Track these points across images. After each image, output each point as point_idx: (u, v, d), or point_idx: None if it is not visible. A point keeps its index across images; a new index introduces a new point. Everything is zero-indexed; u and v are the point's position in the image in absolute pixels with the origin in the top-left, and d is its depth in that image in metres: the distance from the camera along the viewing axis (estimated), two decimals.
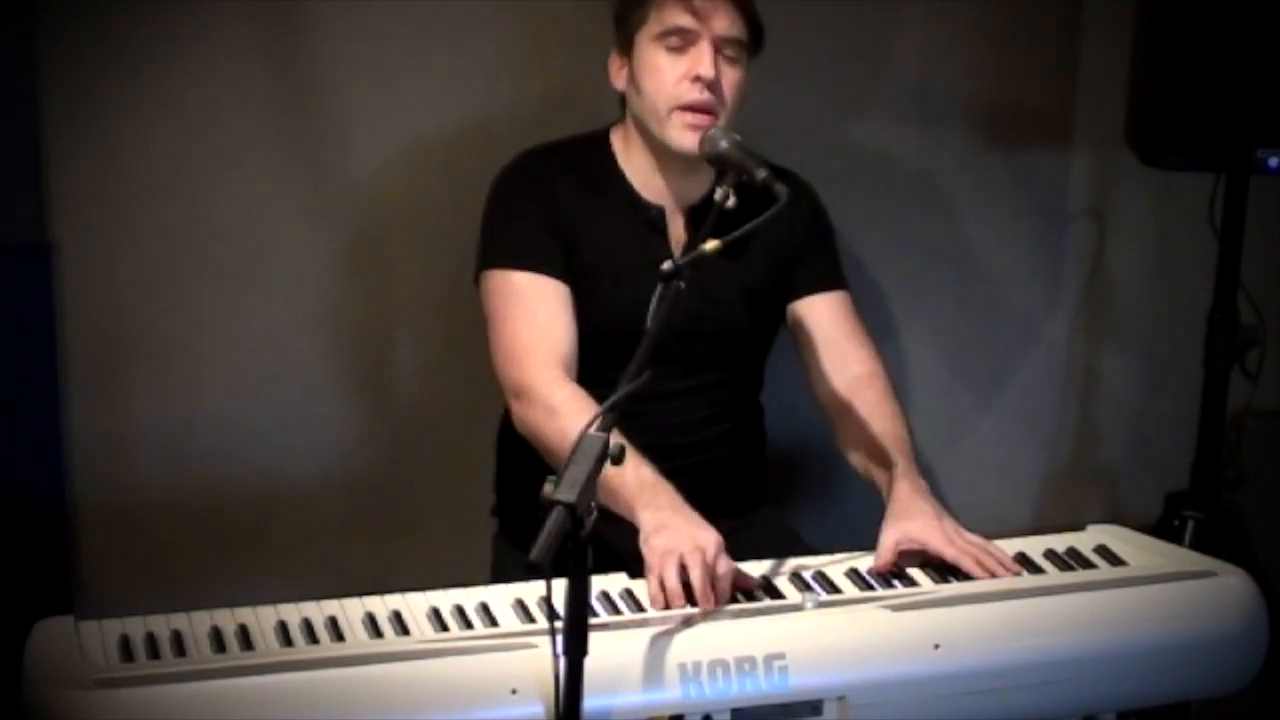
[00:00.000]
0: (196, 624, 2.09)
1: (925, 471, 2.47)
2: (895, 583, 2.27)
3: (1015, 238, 3.38)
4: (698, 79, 2.46)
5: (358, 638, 2.08)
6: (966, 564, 2.27)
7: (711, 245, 2.09)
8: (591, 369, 2.49)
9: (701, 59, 2.47)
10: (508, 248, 2.55)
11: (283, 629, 2.09)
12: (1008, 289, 3.39)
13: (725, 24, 2.48)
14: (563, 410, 2.39)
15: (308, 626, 2.10)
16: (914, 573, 2.30)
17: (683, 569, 2.15)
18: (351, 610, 2.14)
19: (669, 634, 2.01)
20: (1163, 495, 3.21)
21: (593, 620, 1.92)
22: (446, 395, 3.04)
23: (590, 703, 1.85)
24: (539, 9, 2.97)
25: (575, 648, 1.82)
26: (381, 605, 2.16)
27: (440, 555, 3.00)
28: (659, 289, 2.06)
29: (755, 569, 2.29)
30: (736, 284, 2.60)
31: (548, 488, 1.79)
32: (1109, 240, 3.44)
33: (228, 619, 2.11)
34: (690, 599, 2.14)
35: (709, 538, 2.20)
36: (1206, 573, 2.25)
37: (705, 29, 2.47)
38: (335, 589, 2.21)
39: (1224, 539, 3.07)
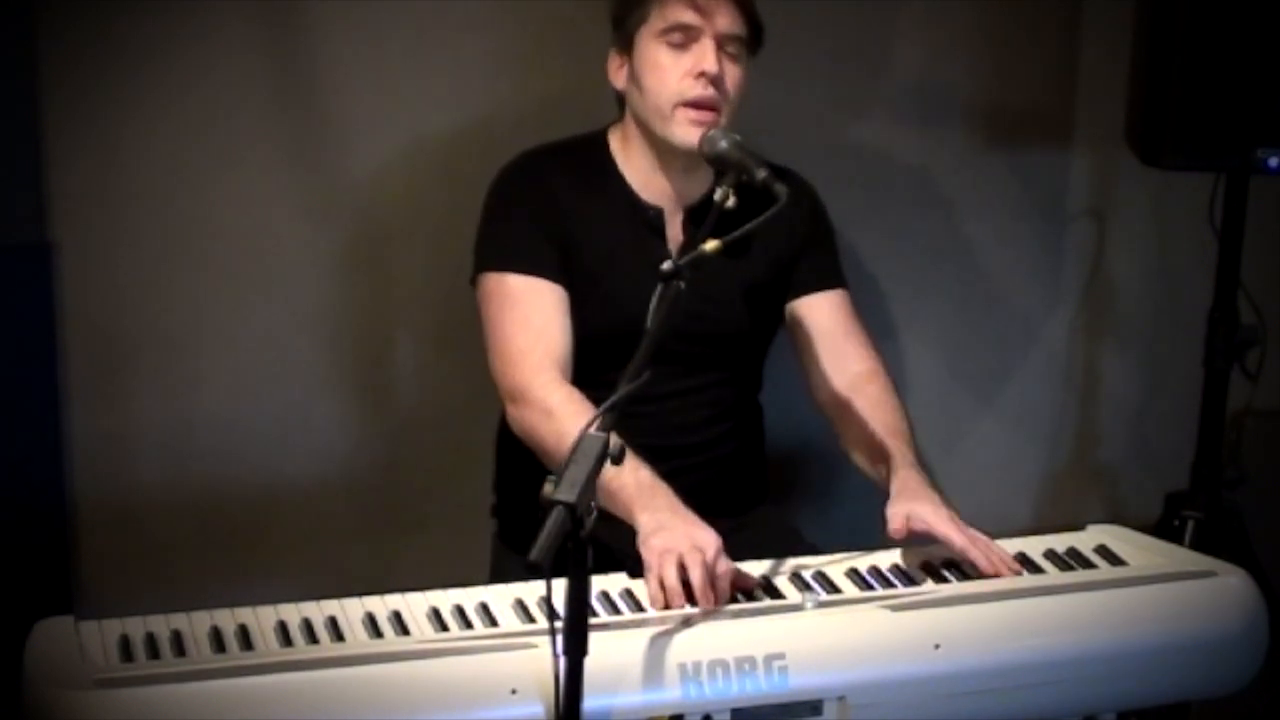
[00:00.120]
0: (196, 624, 2.09)
1: (925, 471, 2.47)
2: (895, 583, 2.27)
3: (1015, 238, 3.38)
4: (701, 75, 2.46)
5: (358, 638, 2.08)
6: (974, 554, 2.26)
7: (711, 245, 2.09)
8: (590, 370, 2.49)
9: (705, 55, 2.47)
10: (503, 250, 2.55)
11: (283, 629, 2.09)
12: (1008, 289, 3.39)
13: (727, 21, 2.48)
14: (559, 413, 2.39)
15: (308, 626, 2.10)
16: (914, 573, 2.30)
17: (682, 569, 2.15)
18: (351, 610, 2.14)
19: (669, 634, 2.01)
20: (1163, 495, 3.21)
21: (593, 620, 1.92)
22: (446, 395, 3.04)
23: (590, 703, 1.85)
24: (539, 9, 2.97)
25: (575, 648, 1.82)
26: (381, 605, 2.16)
27: (440, 555, 3.00)
28: (659, 289, 2.06)
29: (755, 569, 2.28)
30: (736, 284, 2.60)
31: (548, 488, 1.79)
32: (1109, 240, 3.44)
33: (228, 619, 2.11)
34: (690, 599, 2.14)
35: (708, 538, 2.20)
36: (1206, 573, 2.25)
37: (708, 25, 2.47)
38: (335, 589, 2.21)
39: (1224, 539, 3.07)
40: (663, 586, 2.15)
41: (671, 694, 1.97)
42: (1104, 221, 3.43)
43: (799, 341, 2.67)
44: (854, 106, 3.21)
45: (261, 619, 2.11)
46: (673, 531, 2.20)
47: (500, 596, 2.20)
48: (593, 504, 1.80)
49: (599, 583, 2.19)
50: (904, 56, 3.22)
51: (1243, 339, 3.11)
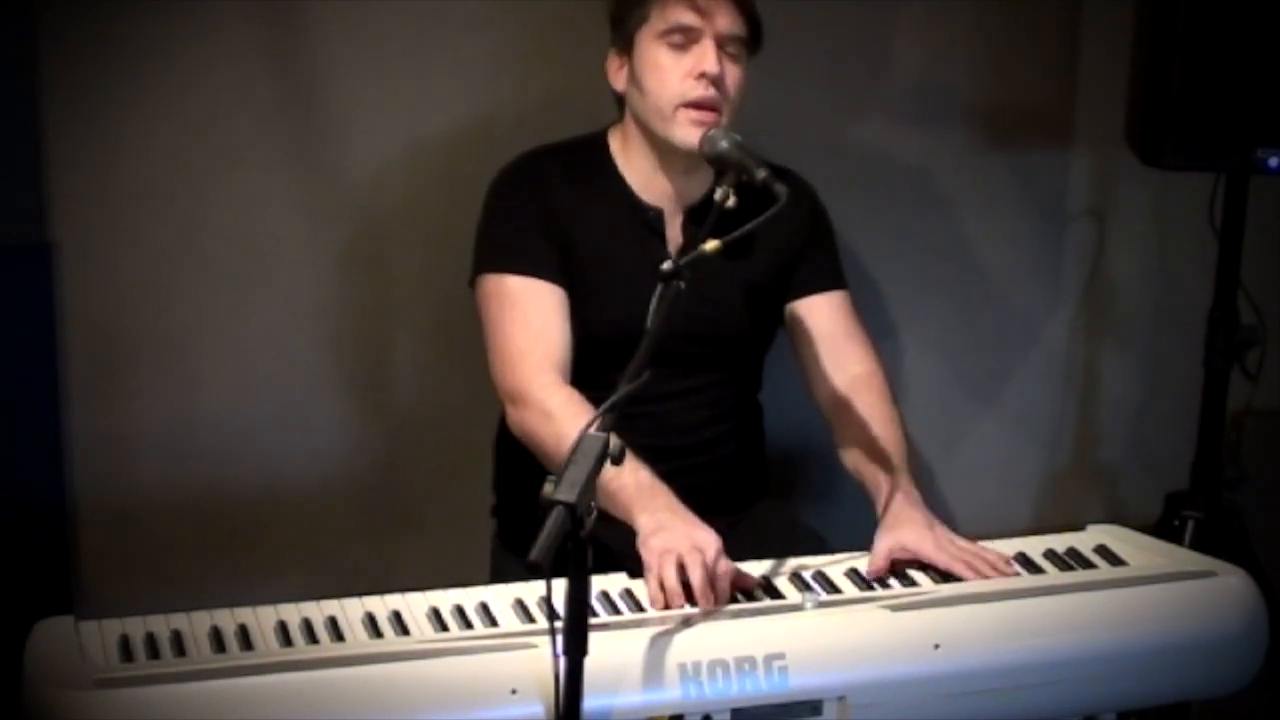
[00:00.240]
0: (196, 624, 2.10)
1: (924, 472, 2.48)
2: (895, 583, 2.27)
3: (1015, 238, 3.38)
4: (703, 75, 2.46)
5: (358, 638, 2.08)
6: (958, 569, 2.28)
7: (711, 245, 2.09)
8: (590, 371, 2.49)
9: (706, 56, 2.47)
10: (502, 252, 2.55)
11: (282, 629, 2.09)
12: (1008, 289, 3.39)
13: (727, 21, 2.48)
14: (559, 414, 2.39)
15: (308, 626, 2.10)
16: (914, 573, 2.30)
17: (682, 569, 2.15)
18: (351, 610, 2.14)
19: (669, 634, 2.02)
20: (1163, 495, 3.21)
21: (593, 620, 1.92)
22: (446, 395, 3.04)
23: (590, 703, 1.85)
24: (539, 9, 2.97)
25: (575, 648, 1.82)
26: (381, 605, 2.16)
27: (440, 555, 3.00)
28: (659, 289, 2.06)
29: (755, 569, 2.29)
30: (736, 284, 2.60)
31: (548, 488, 1.79)
32: (1109, 240, 3.44)
33: (228, 619, 2.11)
34: (690, 599, 2.14)
35: (707, 538, 2.20)
36: (1206, 573, 2.25)
37: (708, 26, 2.47)
38: (335, 589, 2.21)
39: (1224, 539, 3.07)
40: (663, 587, 2.15)
41: (671, 694, 1.98)
42: (1104, 221, 3.43)
43: (798, 342, 2.67)
44: (854, 106, 3.21)
45: (261, 619, 2.11)
46: (672, 532, 2.20)
47: (500, 596, 2.20)
48: (592, 504, 1.80)
49: (599, 583, 2.19)
50: (904, 56, 3.22)
51: (1243, 339, 3.11)
